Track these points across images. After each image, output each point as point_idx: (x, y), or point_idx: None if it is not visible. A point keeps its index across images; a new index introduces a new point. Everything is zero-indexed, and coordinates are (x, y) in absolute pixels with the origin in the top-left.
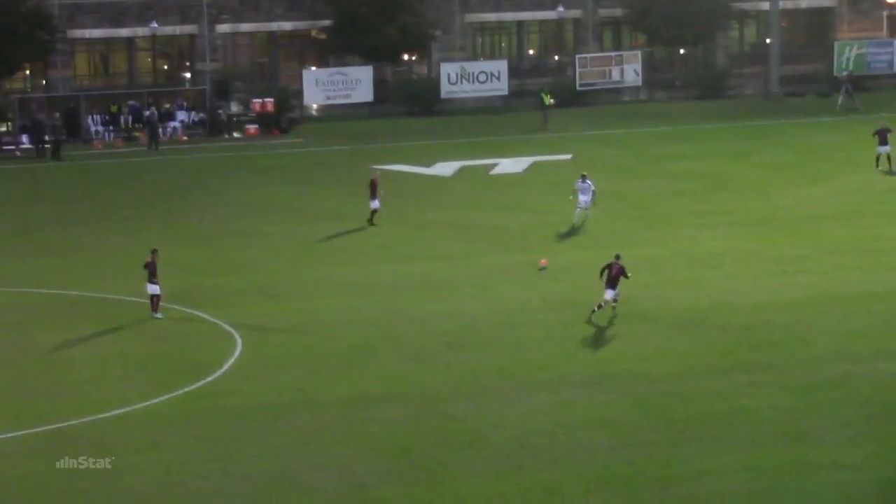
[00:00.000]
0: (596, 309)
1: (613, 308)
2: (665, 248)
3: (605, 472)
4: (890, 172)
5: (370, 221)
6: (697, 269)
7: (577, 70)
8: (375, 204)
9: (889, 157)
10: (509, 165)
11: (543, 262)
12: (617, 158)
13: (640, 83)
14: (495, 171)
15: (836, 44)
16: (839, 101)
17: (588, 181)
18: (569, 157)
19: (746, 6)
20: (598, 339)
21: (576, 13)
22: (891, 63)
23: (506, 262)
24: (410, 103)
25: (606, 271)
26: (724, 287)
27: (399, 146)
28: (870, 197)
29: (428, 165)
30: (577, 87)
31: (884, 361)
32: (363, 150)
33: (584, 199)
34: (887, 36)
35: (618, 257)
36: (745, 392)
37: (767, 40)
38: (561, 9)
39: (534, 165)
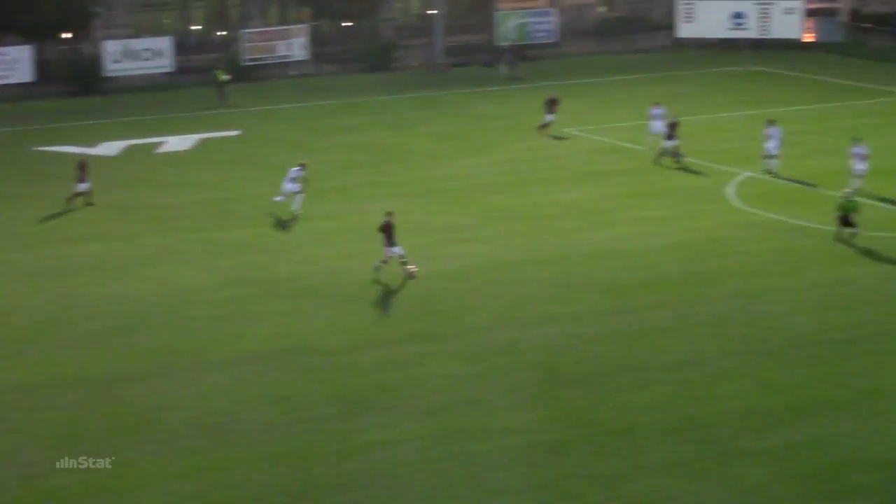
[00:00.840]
0: (380, 265)
1: (382, 264)
2: (336, 220)
3: (281, 447)
4: (550, 136)
5: (84, 203)
6: (368, 241)
7: (244, 45)
8: (84, 186)
9: (549, 125)
10: (176, 143)
11: (412, 268)
12: (288, 133)
13: (307, 57)
14: (162, 149)
15: (497, 14)
16: (502, 71)
17: (304, 172)
18: (237, 133)
19: None
20: (270, 315)
21: None
22: (550, 32)
23: (174, 242)
24: (73, 82)
25: (384, 229)
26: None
27: (62, 126)
28: (534, 164)
29: (92, 145)
30: (244, 63)
31: (550, 325)
32: (25, 132)
33: (290, 186)
34: (547, 5)
35: (389, 214)
36: (417, 361)
37: (431, 11)
38: None
39: (201, 142)
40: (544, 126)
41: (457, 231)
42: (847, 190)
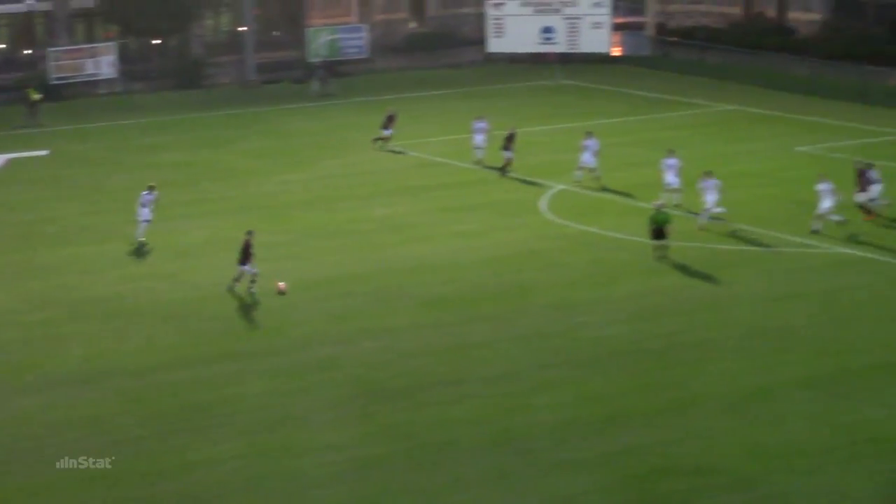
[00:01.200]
0: (251, 284)
1: (251, 284)
2: (151, 239)
3: (96, 470)
4: (391, 150)
5: None
6: (184, 259)
7: (51, 63)
8: None
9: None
10: None
11: (282, 286)
12: (98, 152)
13: (116, 75)
14: None
15: (308, 30)
16: (314, 87)
17: (154, 193)
18: (46, 152)
19: None
20: (82, 337)
21: (46, 5)
22: (362, 48)
23: None
24: None
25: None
26: (211, 277)
27: None
28: (349, 181)
29: None
30: (52, 81)
31: (367, 340)
32: None
33: (146, 212)
34: (358, 21)
35: (249, 233)
36: (234, 380)
37: (242, 28)
38: (31, 1)
39: (9, 162)
40: (379, 139)
41: (273, 248)
42: (658, 202)
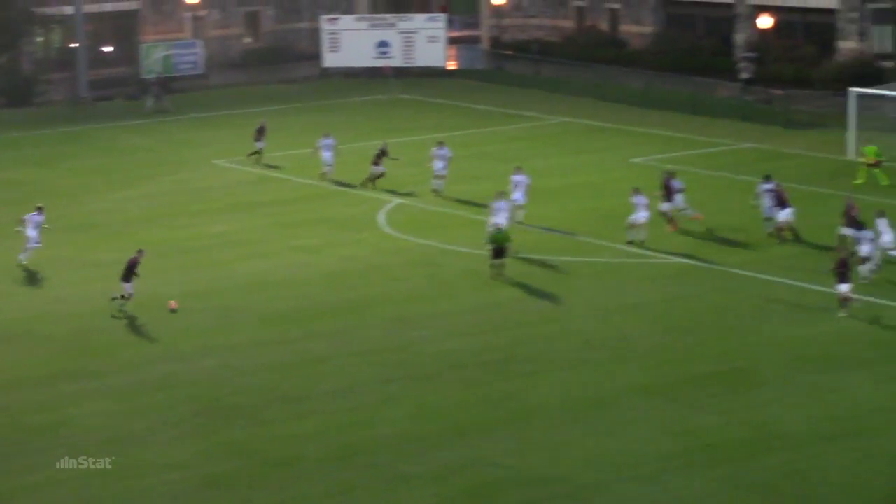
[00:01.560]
0: (118, 297)
1: (123, 302)
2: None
3: None
4: (266, 165)
5: None
6: (17, 280)
7: None
8: None
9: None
10: None
11: (173, 304)
12: None
13: None
14: None
15: (142, 46)
16: (148, 104)
17: (42, 214)
18: None
19: (50, 11)
20: None
21: None
22: (196, 64)
23: None
24: None
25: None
26: (46, 296)
27: None
28: (185, 197)
29: None
30: None
31: (207, 358)
32: None
33: (35, 234)
34: (192, 37)
35: (139, 252)
36: (71, 401)
37: (74, 45)
38: None
39: None
40: (254, 153)
41: (109, 266)
42: (496, 220)
